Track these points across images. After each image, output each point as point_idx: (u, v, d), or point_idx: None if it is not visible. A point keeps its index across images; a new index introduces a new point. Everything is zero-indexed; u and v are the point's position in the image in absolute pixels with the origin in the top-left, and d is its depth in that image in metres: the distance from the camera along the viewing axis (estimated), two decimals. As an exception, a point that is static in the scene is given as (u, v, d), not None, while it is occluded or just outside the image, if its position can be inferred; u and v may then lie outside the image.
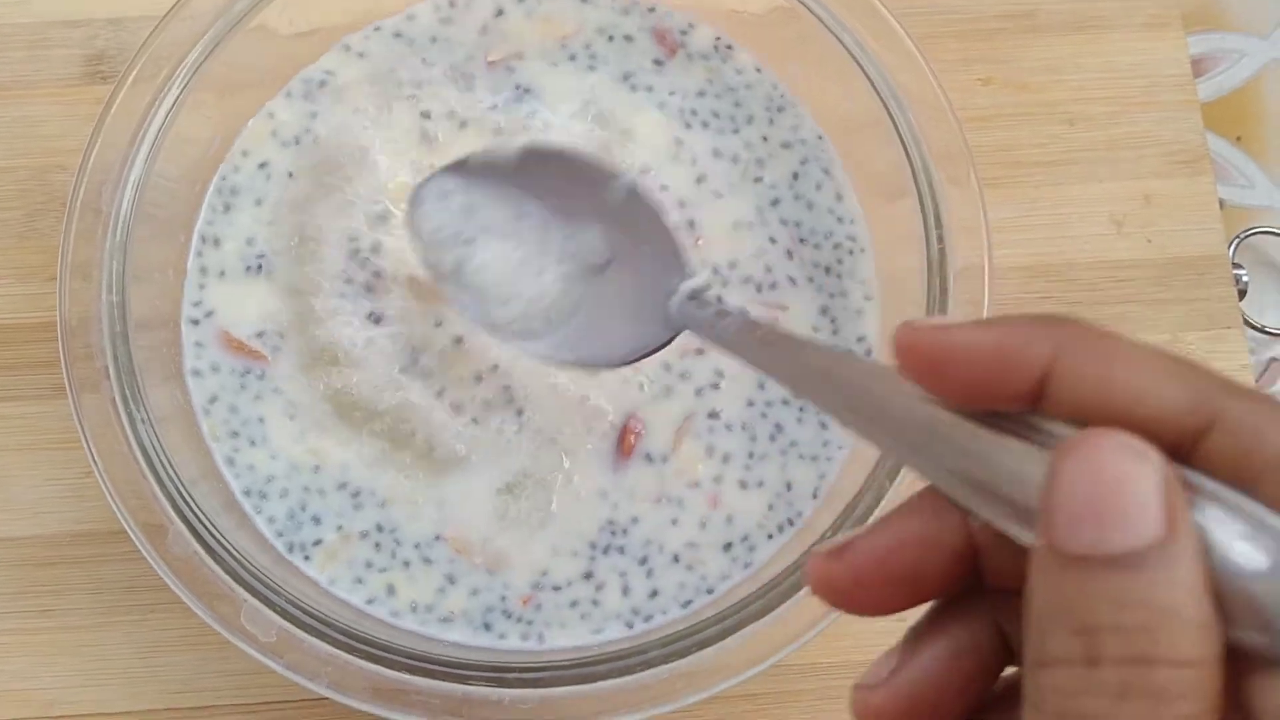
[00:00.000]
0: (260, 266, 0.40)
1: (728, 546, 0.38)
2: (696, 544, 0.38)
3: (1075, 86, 0.47)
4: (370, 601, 0.37)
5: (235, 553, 0.34)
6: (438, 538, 0.38)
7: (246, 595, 0.33)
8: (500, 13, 0.42)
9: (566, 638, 0.36)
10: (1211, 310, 0.45)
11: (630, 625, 0.36)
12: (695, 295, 0.31)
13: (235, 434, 0.39)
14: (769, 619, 0.33)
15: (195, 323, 0.40)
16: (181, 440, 0.37)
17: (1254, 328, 0.46)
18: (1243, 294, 0.46)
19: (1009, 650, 0.20)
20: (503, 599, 0.37)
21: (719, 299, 0.34)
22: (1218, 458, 0.17)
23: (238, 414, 0.39)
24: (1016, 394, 0.19)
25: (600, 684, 0.32)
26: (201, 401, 0.39)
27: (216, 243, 0.40)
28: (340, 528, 0.38)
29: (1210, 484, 0.17)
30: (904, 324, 0.19)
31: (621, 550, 0.37)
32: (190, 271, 0.40)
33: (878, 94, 0.40)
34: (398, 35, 0.42)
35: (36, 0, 0.47)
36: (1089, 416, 0.18)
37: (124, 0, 0.47)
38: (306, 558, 0.38)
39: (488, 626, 0.36)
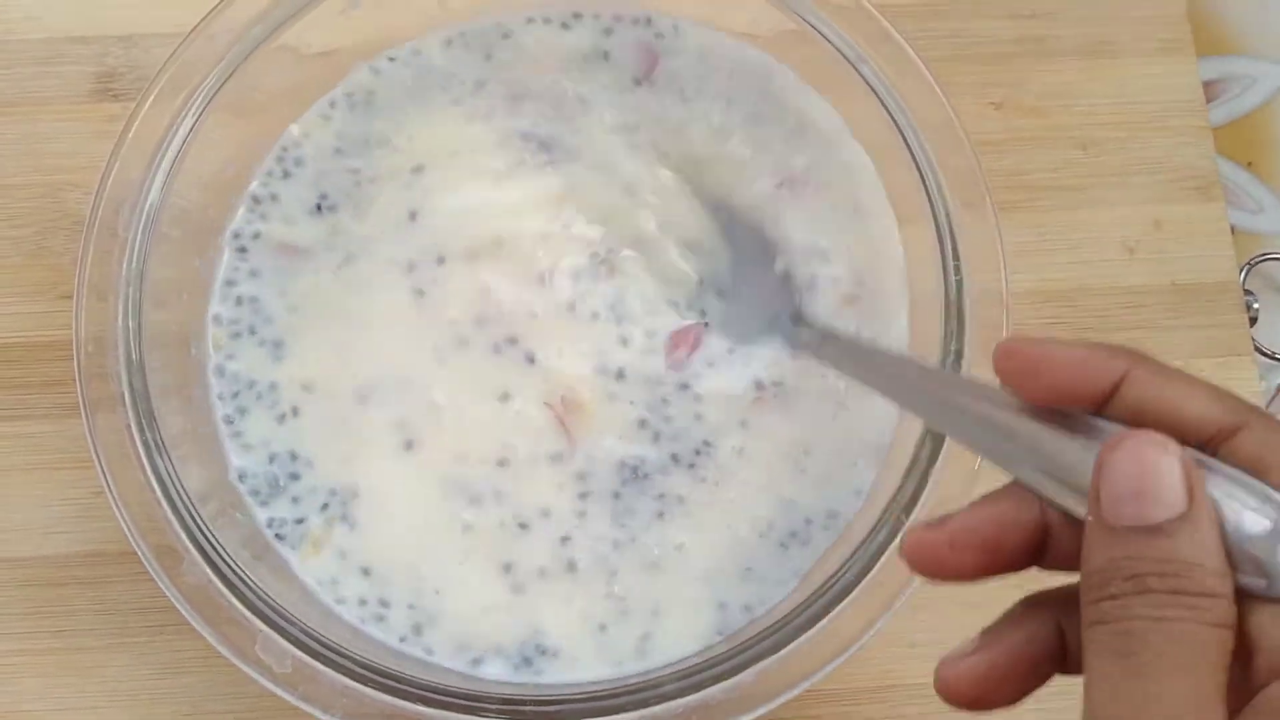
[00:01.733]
0: (320, 208, 0.41)
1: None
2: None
3: (1087, 111, 0.47)
4: (403, 639, 0.37)
5: (250, 582, 0.34)
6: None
7: (261, 625, 0.33)
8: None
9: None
10: (1222, 337, 0.45)
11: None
12: (804, 320, 0.38)
13: (237, 335, 0.39)
14: (784, 653, 0.33)
15: (242, 249, 0.40)
16: (195, 463, 0.37)
17: (1265, 354, 0.46)
18: (1253, 320, 0.46)
19: (1064, 649, 0.25)
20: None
21: (823, 326, 0.39)
22: (1242, 453, 0.23)
23: (260, 309, 0.39)
24: (1091, 396, 0.24)
25: (615, 717, 0.32)
26: (224, 310, 0.39)
27: (274, 198, 0.41)
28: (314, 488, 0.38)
29: (1226, 468, 0.23)
30: (1008, 338, 0.26)
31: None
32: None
33: (891, 118, 0.40)
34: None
35: (48, 16, 0.47)
36: (1144, 419, 0.23)
37: (135, 18, 0.47)
38: (279, 536, 0.37)
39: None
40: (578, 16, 0.43)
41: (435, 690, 0.33)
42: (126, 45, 0.46)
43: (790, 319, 0.38)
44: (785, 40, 0.41)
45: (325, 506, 0.38)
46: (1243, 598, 0.22)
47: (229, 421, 0.39)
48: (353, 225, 0.41)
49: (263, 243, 0.40)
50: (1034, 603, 0.26)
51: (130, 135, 0.38)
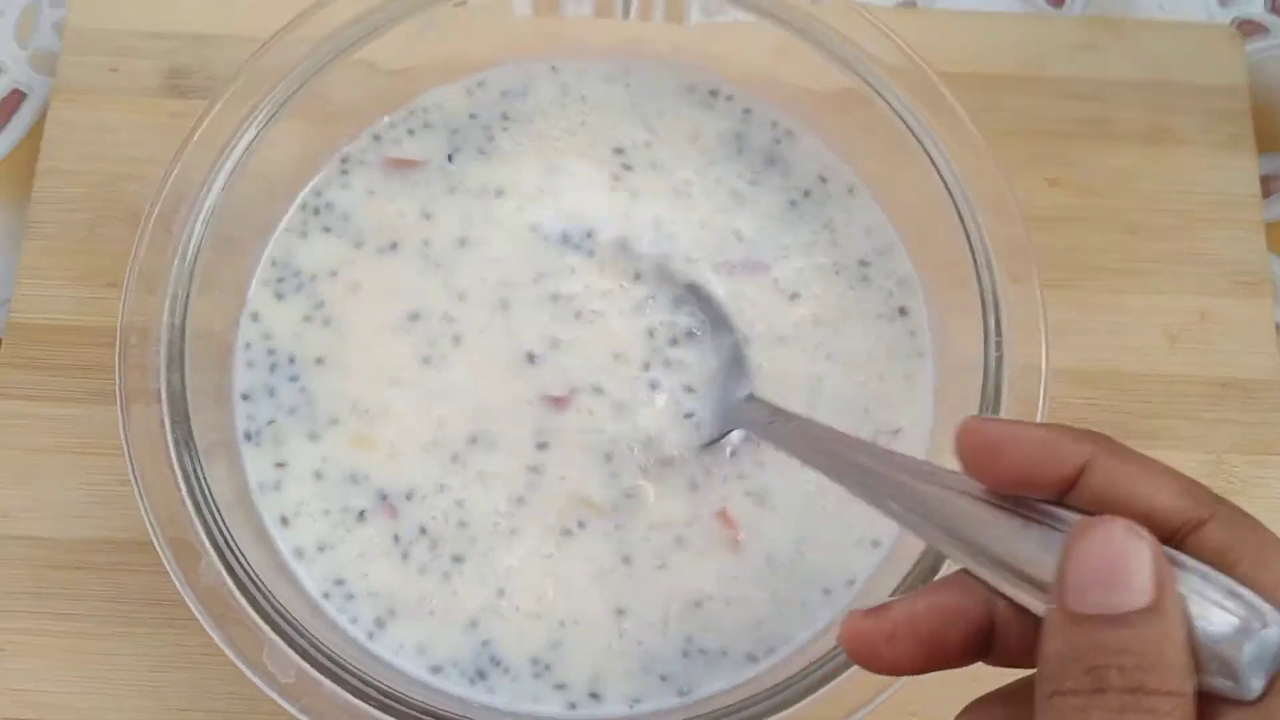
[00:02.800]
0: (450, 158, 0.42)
1: None
2: None
3: (1143, 196, 0.47)
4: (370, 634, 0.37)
5: (264, 589, 0.34)
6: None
7: (271, 633, 0.33)
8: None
9: None
10: (1259, 434, 0.45)
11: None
12: (752, 399, 0.37)
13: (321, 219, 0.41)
14: (815, 698, 0.32)
15: (344, 172, 0.42)
16: (222, 468, 0.37)
17: (1302, 457, 0.46)
18: (1293, 422, 0.45)
19: None
20: None
21: (774, 406, 0.37)
22: (1209, 546, 0.22)
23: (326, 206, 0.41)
24: (1053, 483, 0.23)
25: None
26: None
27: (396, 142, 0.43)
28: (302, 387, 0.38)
29: (1193, 562, 0.22)
30: (970, 417, 0.24)
31: None
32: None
33: (945, 185, 0.40)
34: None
35: (124, 8, 0.48)
36: (1108, 508, 0.22)
37: (210, 17, 0.47)
38: (253, 441, 0.38)
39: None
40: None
41: (434, 714, 0.33)
42: (199, 44, 0.47)
43: (743, 400, 0.37)
44: (843, 99, 0.42)
45: None
46: (1208, 700, 0.21)
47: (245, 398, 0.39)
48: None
49: (369, 165, 0.42)
50: (977, 713, 0.24)
51: (197, 135, 0.38)
